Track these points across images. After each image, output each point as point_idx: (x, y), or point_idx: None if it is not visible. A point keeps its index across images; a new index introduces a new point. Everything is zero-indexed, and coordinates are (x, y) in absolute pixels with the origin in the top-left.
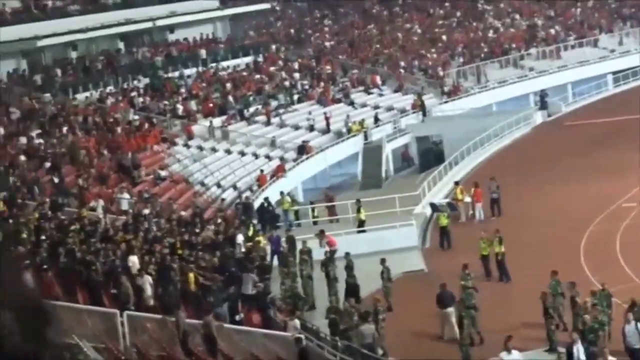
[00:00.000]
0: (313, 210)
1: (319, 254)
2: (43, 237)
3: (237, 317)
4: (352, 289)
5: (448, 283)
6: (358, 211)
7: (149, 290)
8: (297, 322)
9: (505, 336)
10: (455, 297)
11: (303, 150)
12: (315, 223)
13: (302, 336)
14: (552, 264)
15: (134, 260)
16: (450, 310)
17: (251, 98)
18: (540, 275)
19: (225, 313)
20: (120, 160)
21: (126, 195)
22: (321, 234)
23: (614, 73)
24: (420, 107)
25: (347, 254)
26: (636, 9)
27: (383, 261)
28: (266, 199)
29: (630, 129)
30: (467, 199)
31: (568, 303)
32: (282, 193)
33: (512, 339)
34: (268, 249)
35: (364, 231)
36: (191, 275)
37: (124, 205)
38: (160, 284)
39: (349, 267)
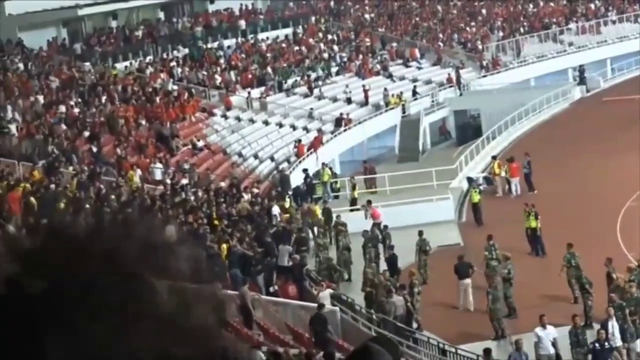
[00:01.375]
0: (353, 185)
1: (359, 226)
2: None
3: (272, 289)
4: (390, 262)
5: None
6: (353, 189)
7: None
8: (327, 292)
9: (540, 314)
10: (472, 268)
11: (340, 122)
12: (354, 199)
13: (328, 306)
14: (587, 240)
15: (172, 230)
16: (467, 281)
17: (290, 70)
18: (576, 250)
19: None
20: (159, 130)
21: (159, 165)
22: (368, 205)
23: None
24: (456, 81)
25: (385, 226)
26: None
27: (420, 233)
28: (305, 170)
29: None
30: (504, 174)
31: (604, 279)
32: (323, 164)
33: (545, 315)
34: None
35: (357, 209)
36: (224, 246)
37: (158, 175)
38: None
39: (387, 240)
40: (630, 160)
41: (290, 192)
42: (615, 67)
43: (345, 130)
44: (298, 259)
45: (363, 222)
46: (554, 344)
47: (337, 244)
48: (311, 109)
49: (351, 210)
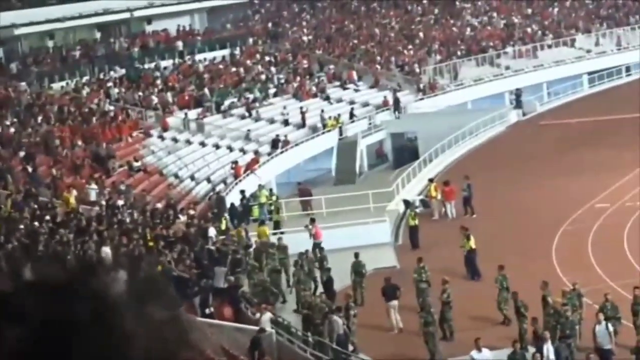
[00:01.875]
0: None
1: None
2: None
3: (208, 311)
4: (326, 284)
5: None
6: (277, 212)
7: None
8: (268, 316)
9: (476, 338)
10: (399, 289)
11: (277, 144)
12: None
13: (268, 329)
14: (524, 263)
15: (107, 252)
16: (394, 303)
17: (227, 91)
18: (512, 273)
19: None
20: (95, 150)
21: (94, 186)
22: (311, 223)
23: (589, 73)
24: (393, 103)
25: (322, 248)
26: (613, 10)
27: (356, 255)
28: (242, 191)
29: (605, 129)
30: (441, 196)
31: (539, 301)
32: (260, 186)
33: (480, 338)
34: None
35: (282, 233)
36: (159, 267)
37: (93, 196)
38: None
39: (324, 262)
40: (566, 184)
41: (226, 214)
42: (551, 91)
43: (282, 152)
44: (232, 281)
45: (339, 240)
46: None
47: (266, 266)
48: (248, 130)
49: (274, 234)
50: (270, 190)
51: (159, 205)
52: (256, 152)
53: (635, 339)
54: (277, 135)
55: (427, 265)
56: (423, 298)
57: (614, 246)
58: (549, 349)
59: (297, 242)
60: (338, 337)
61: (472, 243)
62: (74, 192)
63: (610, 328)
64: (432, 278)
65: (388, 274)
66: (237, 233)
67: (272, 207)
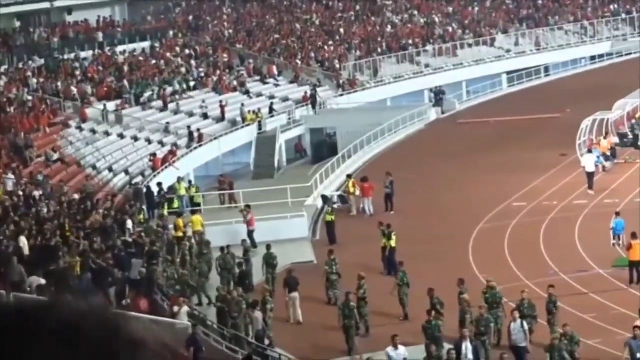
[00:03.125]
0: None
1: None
2: None
3: (124, 302)
4: (243, 277)
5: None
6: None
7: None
8: (185, 309)
9: (393, 335)
10: (298, 282)
11: (192, 136)
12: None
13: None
14: (441, 261)
15: (24, 242)
16: (295, 294)
17: (147, 83)
18: (428, 271)
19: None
20: (13, 140)
21: (11, 176)
22: (247, 209)
23: (508, 73)
24: (310, 99)
25: (244, 241)
26: (533, 11)
27: (268, 247)
28: (159, 184)
29: (522, 129)
30: (359, 193)
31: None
32: (179, 179)
33: (398, 335)
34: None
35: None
36: (77, 258)
37: (10, 186)
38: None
39: (248, 252)
40: (484, 182)
41: (144, 206)
42: (470, 90)
43: (200, 146)
44: (144, 273)
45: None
46: None
47: (181, 259)
48: (167, 123)
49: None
50: (190, 182)
51: (76, 197)
52: (175, 145)
53: (550, 337)
54: (189, 127)
55: (338, 258)
56: (334, 290)
57: (531, 245)
58: (467, 347)
59: (215, 235)
60: (257, 332)
61: (393, 242)
62: None
63: (526, 326)
64: (342, 271)
65: (307, 269)
66: (177, 223)
67: (194, 198)
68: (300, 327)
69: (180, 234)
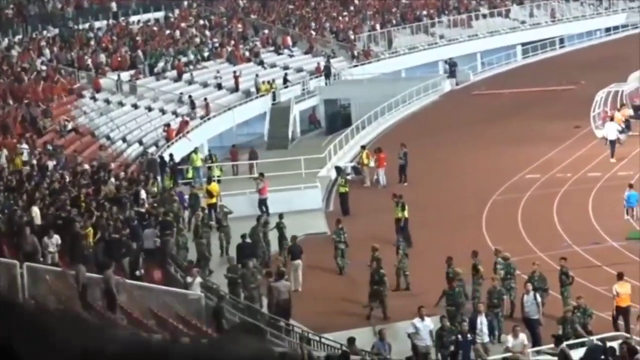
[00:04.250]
0: (220, 168)
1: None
2: None
3: (138, 273)
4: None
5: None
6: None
7: (51, 247)
8: (198, 280)
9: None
10: (302, 250)
11: (194, 105)
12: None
13: (198, 293)
14: (454, 232)
15: (36, 212)
16: (298, 262)
17: (161, 53)
18: (442, 242)
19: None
20: (27, 110)
21: (25, 146)
22: (260, 177)
23: (523, 44)
24: (324, 70)
25: (267, 206)
26: None
27: (281, 216)
28: (170, 155)
29: (536, 100)
30: (373, 164)
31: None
32: (195, 150)
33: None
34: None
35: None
36: (90, 228)
37: (24, 156)
38: (61, 237)
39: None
40: (497, 153)
41: (158, 176)
42: (485, 61)
43: (214, 116)
44: (159, 243)
45: (270, 205)
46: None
47: (194, 229)
48: (181, 93)
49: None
50: (209, 151)
51: (89, 167)
52: (189, 115)
53: (563, 309)
54: (190, 96)
55: (351, 228)
56: (342, 259)
57: (544, 217)
58: (482, 321)
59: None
60: (283, 302)
61: (406, 212)
62: (5, 152)
63: (539, 298)
64: (355, 242)
65: (321, 240)
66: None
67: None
68: (311, 296)
69: (214, 201)
